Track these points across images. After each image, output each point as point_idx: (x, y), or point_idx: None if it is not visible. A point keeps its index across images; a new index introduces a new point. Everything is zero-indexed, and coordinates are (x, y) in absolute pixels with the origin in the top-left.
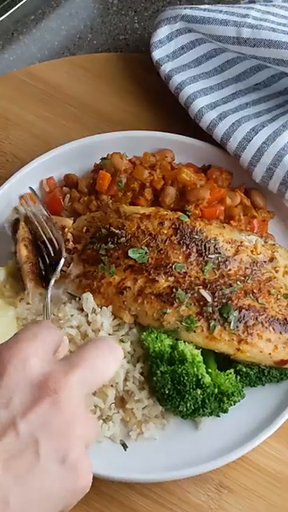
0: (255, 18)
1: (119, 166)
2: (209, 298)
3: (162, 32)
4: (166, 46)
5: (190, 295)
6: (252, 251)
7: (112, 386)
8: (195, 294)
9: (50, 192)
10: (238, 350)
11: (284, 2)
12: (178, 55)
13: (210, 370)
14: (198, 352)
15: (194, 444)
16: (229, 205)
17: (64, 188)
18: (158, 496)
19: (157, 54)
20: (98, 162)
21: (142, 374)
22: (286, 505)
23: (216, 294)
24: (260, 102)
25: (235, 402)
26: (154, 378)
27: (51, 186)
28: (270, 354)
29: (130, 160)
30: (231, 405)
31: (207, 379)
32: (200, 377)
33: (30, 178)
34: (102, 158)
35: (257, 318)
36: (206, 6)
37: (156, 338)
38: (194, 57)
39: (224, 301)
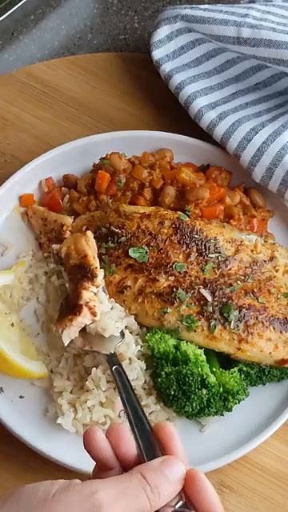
0: (255, 17)
1: (118, 166)
2: (209, 298)
3: (162, 32)
4: (166, 46)
5: (190, 295)
6: (252, 250)
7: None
8: (195, 294)
9: (49, 192)
10: (239, 349)
11: (284, 2)
12: (177, 55)
13: (214, 369)
14: (200, 352)
15: (195, 444)
16: (228, 204)
17: (63, 188)
18: None
19: (157, 54)
20: (96, 162)
21: (150, 376)
22: None
23: (216, 294)
24: (260, 101)
25: (240, 401)
26: (159, 379)
27: (50, 186)
28: (270, 353)
29: (129, 160)
30: (236, 403)
31: (212, 379)
32: (205, 376)
33: (29, 178)
34: (101, 158)
35: (257, 318)
36: (206, 6)
37: (160, 338)
38: (194, 57)
39: (224, 300)
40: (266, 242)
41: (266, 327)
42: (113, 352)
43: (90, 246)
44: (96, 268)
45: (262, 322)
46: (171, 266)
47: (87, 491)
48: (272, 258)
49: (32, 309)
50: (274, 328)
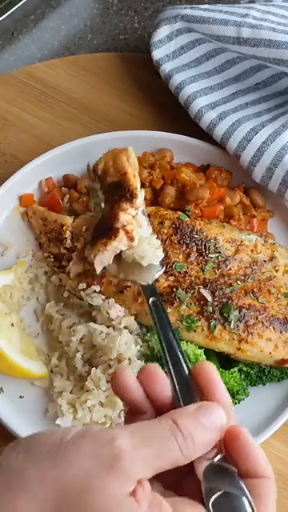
0: (255, 17)
1: None
2: (209, 298)
3: (162, 32)
4: (166, 46)
5: (190, 295)
6: (252, 250)
7: None
8: (195, 294)
9: (49, 192)
10: (239, 349)
11: (284, 2)
12: (177, 55)
13: None
14: (200, 352)
15: None
16: (228, 204)
17: (63, 188)
18: None
19: (157, 54)
20: None
21: None
22: None
23: (216, 294)
24: (260, 101)
25: (240, 401)
26: None
27: (50, 186)
28: (270, 353)
29: None
30: (236, 403)
31: None
32: None
33: (29, 178)
34: None
35: (257, 318)
36: (206, 6)
37: None
38: (194, 57)
39: (224, 300)
40: (266, 241)
41: (265, 327)
42: (151, 283)
43: (130, 163)
44: (136, 188)
45: (262, 322)
46: (171, 266)
47: (106, 437)
48: (272, 258)
49: (32, 309)
50: (273, 328)
